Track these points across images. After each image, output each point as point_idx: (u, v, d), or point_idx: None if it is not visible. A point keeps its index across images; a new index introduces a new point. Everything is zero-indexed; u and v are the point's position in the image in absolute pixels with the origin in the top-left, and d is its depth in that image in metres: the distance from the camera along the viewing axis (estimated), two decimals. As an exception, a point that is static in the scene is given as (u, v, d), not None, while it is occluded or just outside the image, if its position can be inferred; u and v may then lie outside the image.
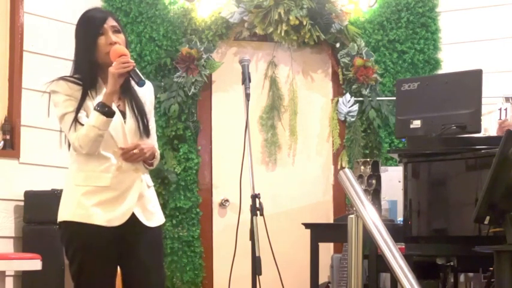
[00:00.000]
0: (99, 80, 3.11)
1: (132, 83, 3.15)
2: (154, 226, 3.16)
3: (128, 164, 3.10)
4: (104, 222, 3.03)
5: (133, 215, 3.09)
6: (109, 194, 3.06)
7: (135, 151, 3.06)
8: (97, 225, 3.03)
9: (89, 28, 3.11)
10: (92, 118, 2.99)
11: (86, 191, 3.05)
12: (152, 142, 3.24)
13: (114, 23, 3.13)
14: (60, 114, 3.08)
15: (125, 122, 3.12)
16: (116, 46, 3.07)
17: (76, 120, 3.02)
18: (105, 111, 2.99)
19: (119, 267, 3.17)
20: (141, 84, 3.05)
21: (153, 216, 3.16)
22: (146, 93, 3.25)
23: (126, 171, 3.09)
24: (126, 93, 3.15)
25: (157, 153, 3.23)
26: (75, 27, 3.18)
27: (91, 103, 3.06)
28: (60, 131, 3.18)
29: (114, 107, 3.07)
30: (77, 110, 3.04)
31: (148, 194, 3.18)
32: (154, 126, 3.31)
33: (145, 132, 3.15)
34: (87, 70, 3.10)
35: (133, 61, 3.05)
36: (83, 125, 3.01)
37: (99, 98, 3.05)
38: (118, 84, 3.03)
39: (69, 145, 3.14)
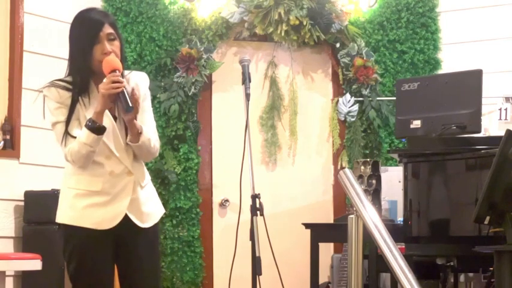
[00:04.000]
0: (91, 84, 3.08)
1: (130, 79, 3.12)
2: (150, 226, 3.15)
3: (120, 167, 3.08)
4: (93, 225, 3.04)
5: (126, 217, 3.09)
6: (100, 198, 3.06)
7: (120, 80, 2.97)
8: (88, 228, 3.04)
9: (84, 34, 3.07)
10: (83, 135, 2.97)
11: (77, 194, 3.06)
12: (143, 124, 3.12)
13: (110, 30, 3.07)
14: (51, 123, 3.08)
15: (116, 125, 3.09)
16: (108, 58, 3.01)
17: (67, 133, 3.01)
18: (95, 127, 2.96)
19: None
20: (128, 110, 2.98)
21: (148, 217, 3.15)
22: (140, 85, 3.15)
23: (118, 175, 3.08)
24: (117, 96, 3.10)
25: (152, 140, 3.11)
26: (70, 28, 3.13)
27: (82, 110, 3.04)
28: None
29: (106, 112, 3.04)
30: (67, 120, 3.03)
31: (143, 195, 3.15)
32: (152, 118, 3.21)
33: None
34: (80, 76, 3.07)
35: (123, 81, 2.99)
36: (74, 137, 3.00)
37: (91, 105, 3.03)
38: (107, 104, 2.99)
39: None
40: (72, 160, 3.02)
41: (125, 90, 2.98)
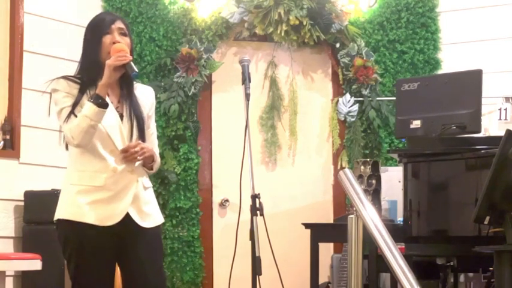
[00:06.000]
0: (99, 81, 3.12)
1: (136, 89, 3.22)
2: (150, 227, 3.16)
3: (123, 165, 3.11)
4: (97, 222, 3.05)
5: (128, 215, 3.10)
6: (103, 194, 3.08)
7: (136, 149, 3.08)
8: (90, 224, 3.04)
9: (96, 28, 3.16)
10: (85, 108, 3.02)
11: (80, 190, 3.08)
12: (152, 146, 3.26)
13: (122, 26, 3.18)
14: (58, 110, 3.12)
15: (122, 123, 3.14)
16: (117, 44, 3.10)
17: (72, 112, 3.06)
18: (98, 102, 3.01)
19: (118, 268, 3.18)
20: (134, 75, 3.09)
21: (148, 217, 3.17)
22: (147, 97, 3.29)
23: (121, 172, 3.11)
24: (126, 97, 3.18)
25: (157, 157, 3.24)
26: (85, 29, 3.22)
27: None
28: (60, 131, 3.20)
29: (112, 107, 3.10)
30: (74, 105, 3.07)
31: (145, 195, 3.18)
32: (155, 131, 3.33)
33: (141, 136, 3.17)
34: (89, 69, 3.13)
35: (130, 56, 3.09)
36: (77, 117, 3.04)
37: None
38: (113, 77, 3.06)
39: (66, 145, 3.17)
40: (72, 136, 3.03)
41: (131, 63, 3.07)
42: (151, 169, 3.23)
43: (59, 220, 3.11)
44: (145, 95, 3.27)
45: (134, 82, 3.26)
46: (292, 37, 5.96)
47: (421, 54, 6.12)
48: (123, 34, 3.16)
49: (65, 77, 3.14)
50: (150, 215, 3.18)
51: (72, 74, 3.20)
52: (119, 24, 3.16)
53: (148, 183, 3.24)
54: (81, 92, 3.10)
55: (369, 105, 5.96)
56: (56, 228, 3.13)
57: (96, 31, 3.15)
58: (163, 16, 5.84)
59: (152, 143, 3.27)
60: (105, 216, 3.06)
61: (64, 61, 5.17)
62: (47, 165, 5.27)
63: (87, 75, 3.13)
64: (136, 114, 3.17)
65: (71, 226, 3.07)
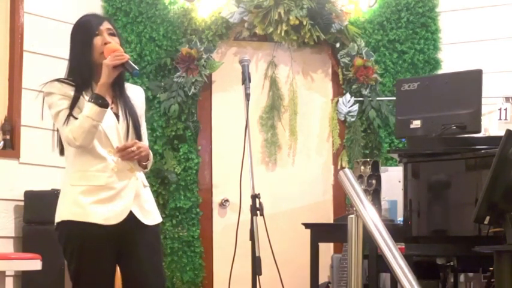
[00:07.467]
0: (92, 84, 3.13)
1: (127, 89, 3.23)
2: (152, 224, 3.18)
3: (122, 163, 3.12)
4: (101, 221, 3.05)
5: (131, 213, 3.11)
6: (105, 193, 3.08)
7: (132, 148, 3.09)
8: (94, 224, 3.05)
9: (85, 30, 3.16)
10: (86, 109, 3.03)
11: (82, 190, 3.07)
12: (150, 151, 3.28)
13: (110, 26, 3.19)
14: (54, 112, 3.11)
15: (118, 123, 3.15)
16: (109, 44, 3.11)
17: (70, 114, 3.06)
18: (99, 102, 3.02)
19: (118, 268, 3.18)
20: (135, 73, 3.09)
21: (149, 214, 3.19)
22: (138, 97, 3.30)
23: (121, 170, 3.12)
24: (119, 98, 3.20)
25: (151, 156, 3.25)
26: (71, 31, 3.23)
27: (84, 101, 3.08)
28: (57, 130, 3.19)
29: (108, 112, 3.10)
30: (71, 106, 3.07)
31: (144, 193, 3.21)
32: (146, 131, 3.34)
33: (137, 136, 3.18)
34: (82, 71, 3.14)
35: (128, 55, 3.10)
36: (76, 118, 3.04)
37: None
38: (112, 76, 3.07)
39: (61, 149, 3.17)
40: (73, 137, 3.03)
41: (129, 61, 3.08)
42: (146, 167, 3.25)
43: (61, 221, 3.10)
44: (136, 95, 3.29)
45: (125, 82, 3.26)
46: (292, 37, 5.96)
47: (421, 54, 6.12)
48: (112, 34, 3.17)
49: (59, 80, 3.14)
50: (150, 212, 3.20)
51: (63, 77, 3.20)
52: (106, 25, 3.17)
53: (146, 182, 3.26)
54: (77, 93, 3.10)
55: (369, 105, 5.96)
56: (56, 229, 3.13)
57: (85, 33, 3.15)
58: (163, 16, 5.84)
59: (144, 142, 3.27)
60: (109, 215, 3.07)
61: (64, 61, 5.11)
62: (47, 165, 5.27)
63: (81, 77, 3.13)
64: (131, 114, 3.19)
65: (74, 226, 3.06)
